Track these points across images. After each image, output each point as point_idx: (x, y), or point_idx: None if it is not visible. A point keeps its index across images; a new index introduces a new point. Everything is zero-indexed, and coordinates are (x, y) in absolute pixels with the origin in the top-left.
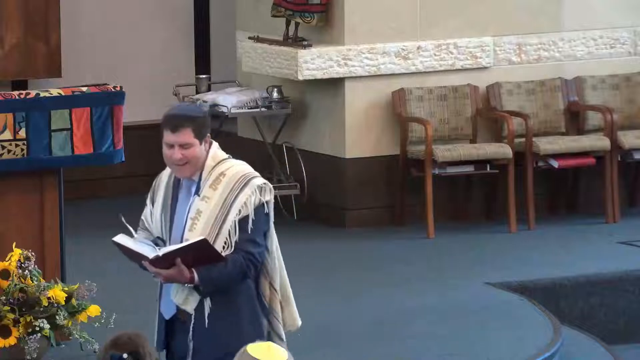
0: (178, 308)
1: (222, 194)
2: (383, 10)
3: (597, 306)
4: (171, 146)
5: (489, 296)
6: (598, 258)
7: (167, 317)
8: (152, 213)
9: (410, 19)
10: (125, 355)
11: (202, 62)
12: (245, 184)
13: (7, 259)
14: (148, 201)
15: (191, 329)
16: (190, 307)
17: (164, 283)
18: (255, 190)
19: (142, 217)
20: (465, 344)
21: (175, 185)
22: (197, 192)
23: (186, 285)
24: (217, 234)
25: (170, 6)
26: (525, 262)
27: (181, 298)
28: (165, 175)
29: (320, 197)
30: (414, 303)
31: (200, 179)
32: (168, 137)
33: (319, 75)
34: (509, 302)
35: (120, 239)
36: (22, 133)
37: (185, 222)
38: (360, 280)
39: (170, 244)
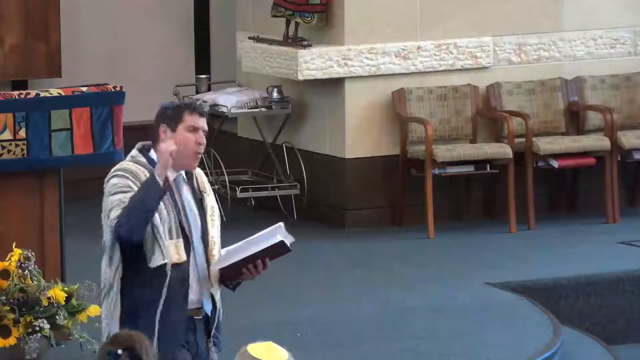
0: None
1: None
2: (383, 11)
3: (597, 306)
4: (196, 130)
5: (489, 296)
6: (598, 258)
7: (208, 311)
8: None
9: (410, 19)
10: (120, 351)
11: (202, 62)
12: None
13: (7, 259)
14: (132, 191)
15: (216, 323)
16: (216, 300)
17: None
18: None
19: (123, 202)
20: (465, 344)
21: (166, 180)
22: (191, 186)
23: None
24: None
25: (170, 6)
26: (525, 262)
27: (215, 292)
28: (138, 169)
29: (320, 197)
30: (414, 303)
31: (187, 173)
32: (195, 120)
33: (319, 75)
34: (509, 302)
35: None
36: (22, 133)
37: (201, 218)
38: (360, 280)
39: (195, 243)
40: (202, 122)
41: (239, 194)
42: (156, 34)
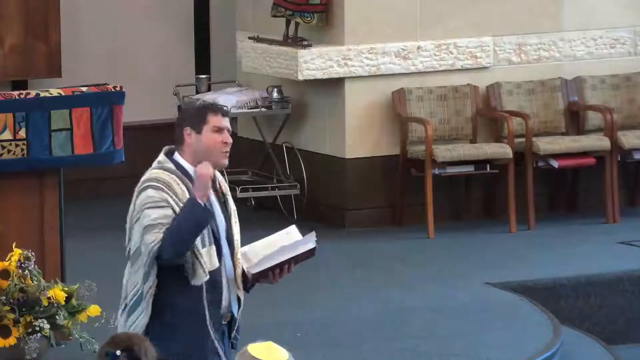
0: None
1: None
2: (383, 11)
3: (597, 306)
4: (221, 130)
5: (489, 296)
6: (598, 258)
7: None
8: None
9: (410, 19)
10: (119, 352)
11: (202, 62)
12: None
13: (7, 259)
14: (169, 206)
15: (237, 326)
16: (241, 302)
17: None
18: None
19: (163, 221)
20: (465, 344)
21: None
22: (214, 189)
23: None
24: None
25: (170, 6)
26: (525, 262)
27: (241, 294)
28: (170, 178)
29: (320, 197)
30: (414, 303)
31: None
32: (219, 120)
33: (319, 75)
34: (509, 302)
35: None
36: (22, 133)
37: (226, 220)
38: (360, 280)
39: (223, 248)
40: (226, 122)
41: (239, 194)
42: (156, 34)
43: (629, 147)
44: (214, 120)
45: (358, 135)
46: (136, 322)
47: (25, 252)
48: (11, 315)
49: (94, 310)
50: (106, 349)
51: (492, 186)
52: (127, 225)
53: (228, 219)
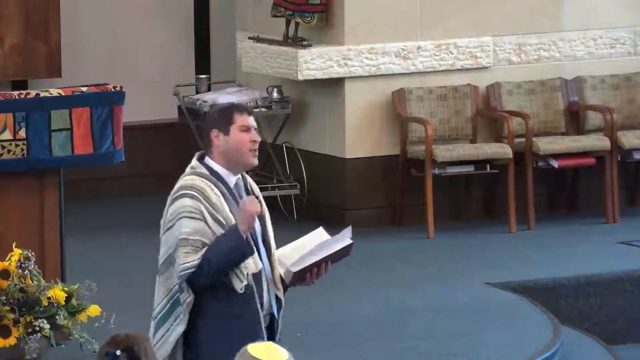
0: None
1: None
2: (383, 11)
3: (597, 306)
4: (248, 129)
5: (489, 296)
6: (598, 258)
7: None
8: (225, 225)
9: (410, 19)
10: (118, 352)
11: (202, 62)
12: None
13: (7, 259)
14: (203, 219)
15: (279, 325)
16: (282, 302)
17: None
18: None
19: (197, 238)
20: (465, 344)
21: (229, 189)
22: (246, 191)
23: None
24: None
25: (170, 6)
26: (525, 262)
27: (280, 294)
28: (204, 184)
29: (320, 197)
30: (414, 303)
31: (239, 176)
32: (246, 119)
33: (319, 75)
34: (509, 302)
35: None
36: (22, 133)
37: (260, 222)
38: (360, 280)
39: (260, 249)
40: (252, 121)
41: None
42: (156, 34)
43: (629, 147)
44: (241, 119)
45: (358, 135)
46: (170, 330)
47: (25, 252)
48: (11, 315)
49: (94, 310)
50: (106, 349)
51: (492, 186)
52: (160, 233)
53: (263, 221)
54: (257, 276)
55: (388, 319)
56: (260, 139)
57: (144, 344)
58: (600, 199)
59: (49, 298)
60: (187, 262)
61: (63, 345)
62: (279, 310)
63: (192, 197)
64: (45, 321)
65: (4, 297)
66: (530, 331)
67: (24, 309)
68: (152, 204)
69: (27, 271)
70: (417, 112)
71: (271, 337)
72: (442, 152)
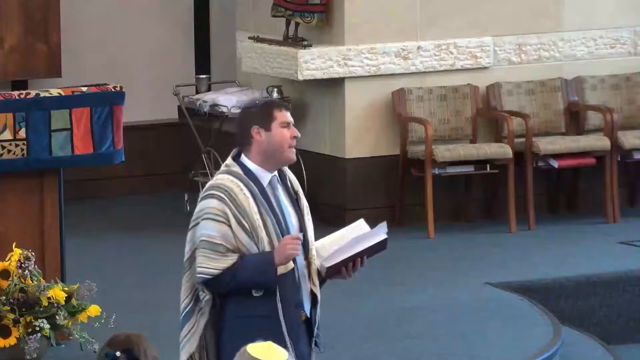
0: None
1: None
2: (383, 10)
3: (597, 306)
4: (289, 125)
5: (489, 296)
6: (598, 258)
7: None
8: (250, 230)
9: (410, 19)
10: (118, 354)
11: (202, 62)
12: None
13: (7, 259)
14: (227, 223)
15: (317, 326)
16: (318, 298)
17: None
18: None
19: (219, 242)
20: (465, 344)
21: (262, 188)
22: (285, 186)
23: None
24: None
25: (170, 6)
26: (525, 262)
27: (317, 290)
28: (233, 185)
29: (320, 197)
30: (414, 303)
31: (280, 174)
32: (284, 116)
33: (319, 75)
34: (509, 302)
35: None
36: (22, 133)
37: (298, 217)
38: (360, 279)
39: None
40: (290, 116)
41: None
42: (156, 34)
43: (629, 147)
44: (280, 115)
45: (358, 135)
46: (196, 324)
47: (25, 252)
48: (11, 315)
49: (94, 310)
50: (106, 350)
51: (492, 186)
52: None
53: (301, 216)
54: (287, 274)
55: (388, 319)
56: (299, 135)
57: (143, 344)
58: (600, 199)
59: (49, 298)
60: (206, 267)
61: (63, 345)
62: (314, 305)
63: (219, 198)
64: (45, 321)
65: (4, 297)
66: (530, 331)
67: (24, 309)
68: (152, 204)
69: (27, 271)
70: (417, 112)
71: (309, 333)
72: (442, 152)
